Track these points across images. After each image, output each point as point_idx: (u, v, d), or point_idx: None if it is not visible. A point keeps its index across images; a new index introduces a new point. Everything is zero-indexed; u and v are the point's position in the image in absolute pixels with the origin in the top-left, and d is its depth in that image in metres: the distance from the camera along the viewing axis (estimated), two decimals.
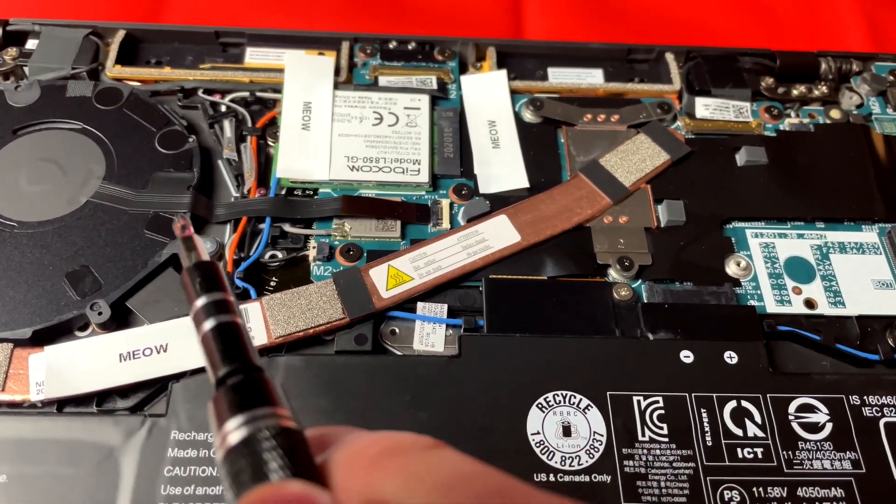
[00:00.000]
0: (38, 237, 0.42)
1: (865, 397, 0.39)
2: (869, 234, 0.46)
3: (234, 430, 0.17)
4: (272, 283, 0.42)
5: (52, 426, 0.36)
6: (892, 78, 0.53)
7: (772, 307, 0.43)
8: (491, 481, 0.17)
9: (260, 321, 0.39)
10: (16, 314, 0.39)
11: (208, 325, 0.20)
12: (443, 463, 0.17)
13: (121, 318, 0.40)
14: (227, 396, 0.18)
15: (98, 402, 0.37)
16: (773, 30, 0.67)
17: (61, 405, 0.37)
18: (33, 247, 0.41)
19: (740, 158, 0.48)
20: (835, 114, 0.52)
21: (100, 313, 0.39)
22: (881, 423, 0.38)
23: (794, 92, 0.52)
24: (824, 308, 0.43)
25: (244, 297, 0.41)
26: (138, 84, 0.50)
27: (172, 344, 0.38)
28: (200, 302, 0.21)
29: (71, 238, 0.42)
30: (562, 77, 0.53)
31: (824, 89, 0.52)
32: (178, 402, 0.37)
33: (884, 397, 0.39)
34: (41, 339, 0.38)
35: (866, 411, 0.38)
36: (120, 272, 0.41)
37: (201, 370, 0.38)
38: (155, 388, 0.38)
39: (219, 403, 0.18)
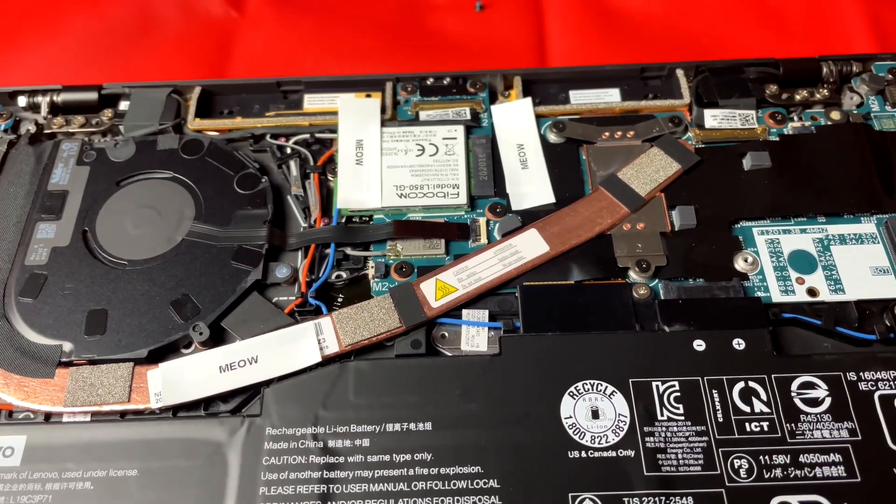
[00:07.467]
0: (146, 273, 0.50)
1: (862, 373, 0.44)
2: (867, 226, 0.51)
3: None
4: (339, 300, 0.50)
5: (170, 428, 0.44)
6: (890, 77, 0.57)
7: (777, 297, 0.48)
8: None
9: (332, 333, 0.47)
10: (133, 338, 0.47)
11: None
12: None
13: (217, 336, 0.48)
14: None
15: (205, 406, 0.45)
16: (780, 34, 0.71)
17: (175, 411, 0.45)
18: (142, 281, 0.49)
19: (746, 163, 0.53)
20: (835, 115, 0.56)
21: (200, 333, 0.47)
22: (876, 395, 0.43)
23: (797, 97, 0.57)
24: (825, 295, 0.48)
25: (317, 313, 0.49)
26: (216, 133, 0.58)
27: (262, 356, 0.46)
28: None
29: (172, 272, 0.50)
30: (582, 98, 0.60)
31: (826, 92, 0.57)
32: (270, 404, 0.44)
33: (878, 372, 0.44)
34: (155, 357, 0.47)
35: (862, 386, 0.43)
36: (214, 298, 0.49)
37: (288, 376, 0.45)
38: (250, 394, 0.46)
39: None
